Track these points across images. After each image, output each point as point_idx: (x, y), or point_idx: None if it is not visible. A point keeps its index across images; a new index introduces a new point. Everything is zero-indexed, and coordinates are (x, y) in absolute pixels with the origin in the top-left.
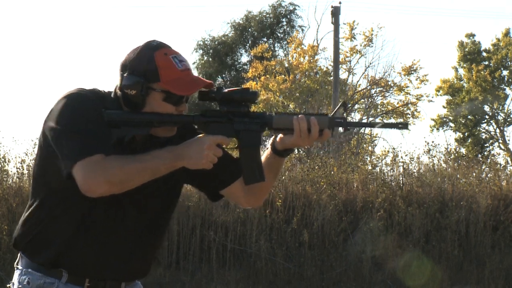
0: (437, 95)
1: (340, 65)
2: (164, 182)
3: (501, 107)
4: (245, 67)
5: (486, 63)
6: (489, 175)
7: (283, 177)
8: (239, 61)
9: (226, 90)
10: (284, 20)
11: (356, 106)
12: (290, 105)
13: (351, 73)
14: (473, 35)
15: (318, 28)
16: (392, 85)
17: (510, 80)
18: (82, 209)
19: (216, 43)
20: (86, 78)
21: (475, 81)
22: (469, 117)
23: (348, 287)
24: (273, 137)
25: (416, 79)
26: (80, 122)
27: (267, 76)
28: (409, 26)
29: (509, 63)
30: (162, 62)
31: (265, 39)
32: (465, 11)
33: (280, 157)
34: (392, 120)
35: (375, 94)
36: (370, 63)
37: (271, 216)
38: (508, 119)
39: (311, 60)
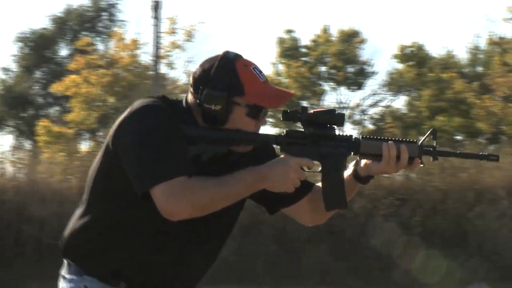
0: None
1: (161, 60)
2: None
3: (319, 102)
4: (65, 60)
5: (305, 59)
6: None
7: None
8: (59, 54)
9: (311, 111)
10: (104, 14)
11: None
12: (111, 99)
13: (172, 68)
14: (292, 31)
15: (139, 22)
16: None
17: (328, 76)
18: (150, 226)
19: (36, 36)
20: None
21: (293, 77)
22: None
23: None
24: (355, 162)
25: None
26: (160, 139)
27: (89, 70)
28: (230, 22)
29: (327, 59)
30: (245, 75)
31: (85, 33)
32: (285, 7)
33: (361, 183)
34: None
35: None
36: (191, 58)
37: None
38: None
39: (132, 55)
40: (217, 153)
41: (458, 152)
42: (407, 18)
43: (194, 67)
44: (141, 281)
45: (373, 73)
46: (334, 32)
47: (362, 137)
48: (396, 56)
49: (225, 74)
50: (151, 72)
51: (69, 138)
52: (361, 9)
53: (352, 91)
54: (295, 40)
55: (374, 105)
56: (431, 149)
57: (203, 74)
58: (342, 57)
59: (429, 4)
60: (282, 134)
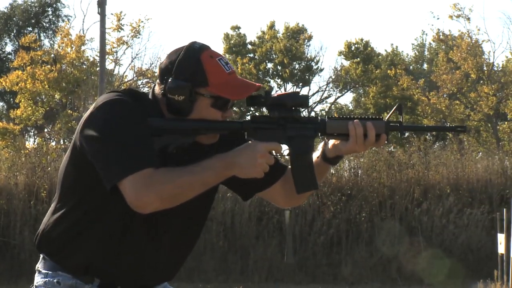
0: None
1: (107, 56)
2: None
3: None
4: (10, 56)
5: (252, 55)
6: None
7: (49, 168)
8: (3, 50)
9: (275, 94)
10: (49, 9)
11: None
12: (56, 95)
13: (118, 64)
14: (239, 28)
15: (84, 18)
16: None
17: (274, 72)
18: (120, 219)
19: None
20: None
21: (240, 74)
22: (235, 109)
23: None
24: (323, 144)
25: None
26: (126, 132)
27: (33, 66)
28: (176, 18)
29: (274, 55)
30: (210, 66)
31: (30, 29)
32: (231, 3)
33: (330, 164)
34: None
35: (141, 85)
36: (137, 54)
37: (35, 207)
38: None
39: (79, 50)
40: (184, 144)
41: (425, 126)
42: (353, 15)
43: (140, 63)
44: (114, 275)
45: (319, 69)
46: (281, 29)
47: (328, 118)
48: (342, 53)
49: (190, 64)
50: (97, 68)
51: (16, 135)
52: (307, 5)
53: (299, 87)
54: (241, 36)
55: (320, 101)
56: (398, 125)
57: (169, 65)
58: (289, 54)
59: (375, 0)
60: (247, 120)
